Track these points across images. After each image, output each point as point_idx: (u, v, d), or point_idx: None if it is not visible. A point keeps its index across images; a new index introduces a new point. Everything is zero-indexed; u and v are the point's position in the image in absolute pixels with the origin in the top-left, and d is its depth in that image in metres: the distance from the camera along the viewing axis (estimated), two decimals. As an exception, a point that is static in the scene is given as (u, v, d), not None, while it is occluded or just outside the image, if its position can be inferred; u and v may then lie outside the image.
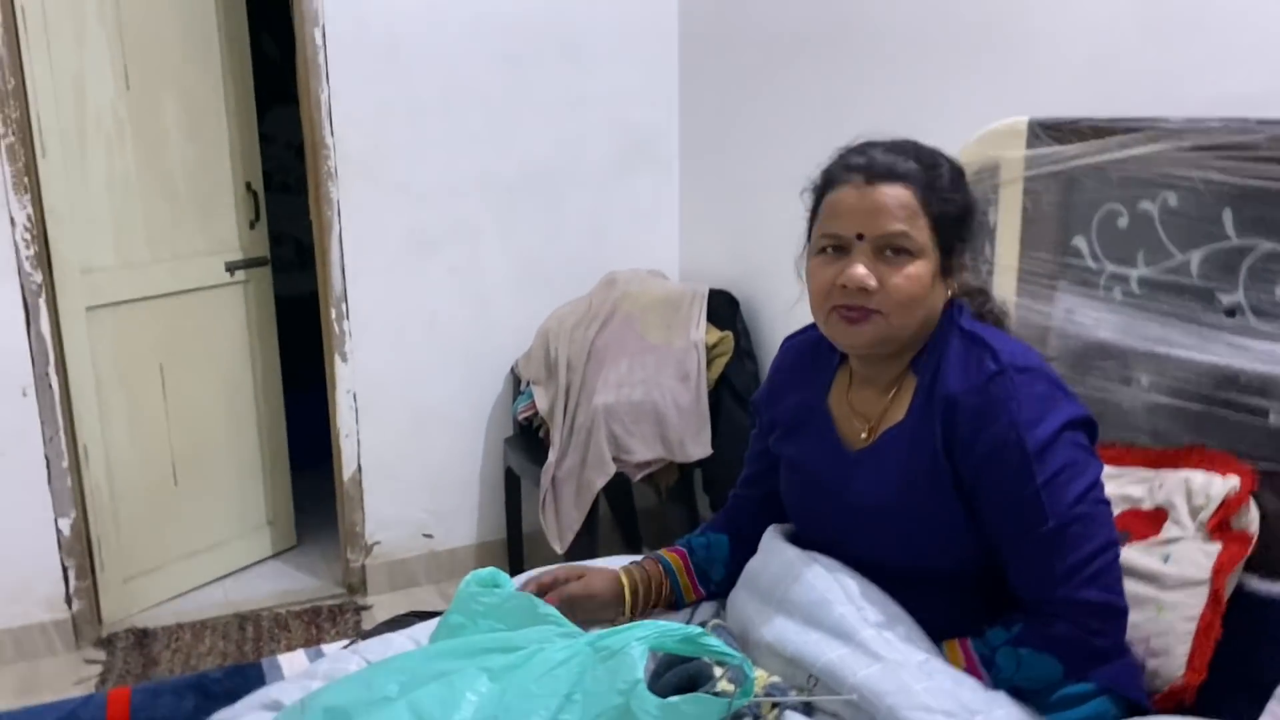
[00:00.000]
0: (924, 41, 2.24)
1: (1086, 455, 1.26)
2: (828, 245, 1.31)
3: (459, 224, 3.01)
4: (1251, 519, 1.45)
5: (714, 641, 1.02)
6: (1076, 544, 1.21)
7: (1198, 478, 1.50)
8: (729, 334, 2.87)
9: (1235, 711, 1.32)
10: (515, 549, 3.18)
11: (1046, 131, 1.77)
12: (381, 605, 3.05)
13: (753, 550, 1.50)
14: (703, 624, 1.31)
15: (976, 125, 1.87)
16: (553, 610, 1.16)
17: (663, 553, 1.57)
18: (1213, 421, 1.54)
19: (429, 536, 3.17)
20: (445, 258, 3.01)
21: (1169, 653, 1.38)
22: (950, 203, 1.29)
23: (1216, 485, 1.47)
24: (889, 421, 1.35)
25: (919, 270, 1.27)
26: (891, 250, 1.26)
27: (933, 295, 1.30)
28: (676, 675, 1.08)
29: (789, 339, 1.60)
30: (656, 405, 2.77)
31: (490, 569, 1.28)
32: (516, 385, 3.12)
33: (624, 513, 3.31)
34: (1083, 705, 1.24)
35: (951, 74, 2.17)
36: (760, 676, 1.20)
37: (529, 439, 3.03)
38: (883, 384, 1.37)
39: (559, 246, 3.14)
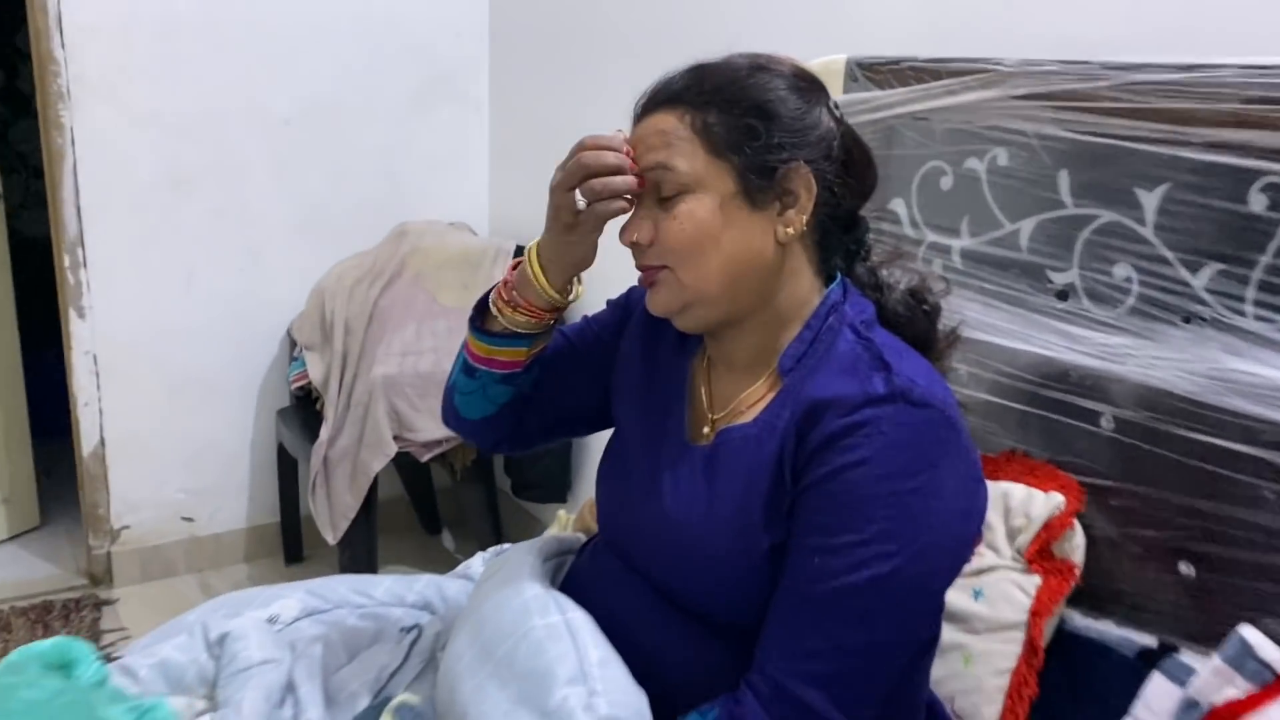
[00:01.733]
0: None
1: (930, 542, 0.92)
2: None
3: (222, 159, 2.59)
4: (1076, 545, 1.22)
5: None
6: (827, 629, 0.91)
7: (1017, 492, 1.26)
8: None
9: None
10: (291, 534, 2.81)
11: (865, 72, 1.50)
12: (130, 598, 2.65)
13: (522, 428, 1.24)
14: (385, 700, 1.00)
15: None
16: (121, 713, 0.82)
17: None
18: (1037, 424, 1.31)
19: (189, 520, 2.77)
20: (206, 199, 2.58)
21: (977, 717, 1.14)
22: (734, 109, 0.98)
23: (1038, 503, 1.24)
24: (734, 419, 1.05)
25: (690, 208, 0.98)
26: (665, 194, 0.99)
27: (733, 237, 0.98)
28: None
29: None
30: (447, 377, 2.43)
31: (58, 640, 0.92)
32: (293, 349, 2.73)
33: (420, 493, 2.98)
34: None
35: (776, 10, 1.89)
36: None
37: (305, 411, 2.65)
38: (742, 365, 1.07)
39: (346, 191, 2.75)
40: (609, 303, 1.26)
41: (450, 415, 1.28)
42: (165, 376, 2.64)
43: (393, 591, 1.39)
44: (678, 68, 1.04)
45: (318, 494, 2.45)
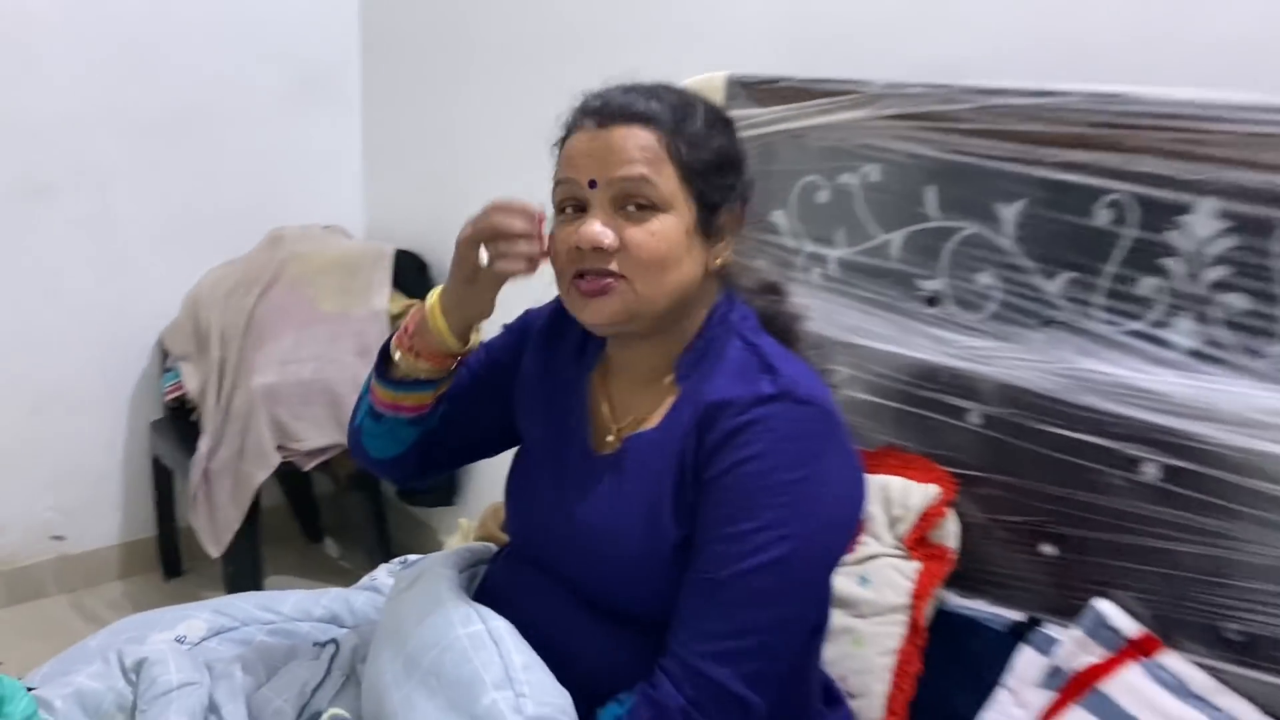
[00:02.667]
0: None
1: (817, 526, 1.02)
2: (565, 203, 1.08)
3: (84, 167, 2.49)
4: (951, 532, 1.33)
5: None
6: (731, 612, 0.99)
7: (896, 484, 1.37)
8: (417, 302, 2.54)
9: (934, 758, 1.19)
10: (169, 547, 2.74)
11: (745, 90, 1.57)
12: (-2, 622, 2.55)
13: (430, 461, 1.27)
14: (316, 713, 1.02)
15: (676, 77, 1.66)
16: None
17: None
18: (911, 421, 1.41)
19: (59, 538, 2.67)
20: (66, 207, 2.49)
21: (868, 693, 1.24)
22: (703, 148, 1.06)
23: (915, 494, 1.34)
24: (638, 426, 1.12)
25: (664, 226, 1.04)
26: (634, 205, 1.03)
27: (688, 262, 1.06)
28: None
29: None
30: (330, 384, 2.42)
31: (-12, 681, 0.92)
32: (165, 360, 2.66)
33: (300, 501, 2.94)
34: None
35: (653, 23, 1.95)
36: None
37: (180, 423, 2.59)
38: (641, 376, 1.13)
39: (215, 197, 2.68)
40: (505, 328, 1.30)
41: (360, 454, 1.31)
42: (30, 391, 2.54)
43: (299, 606, 1.40)
44: (636, 82, 1.09)
45: (199, 507, 2.41)
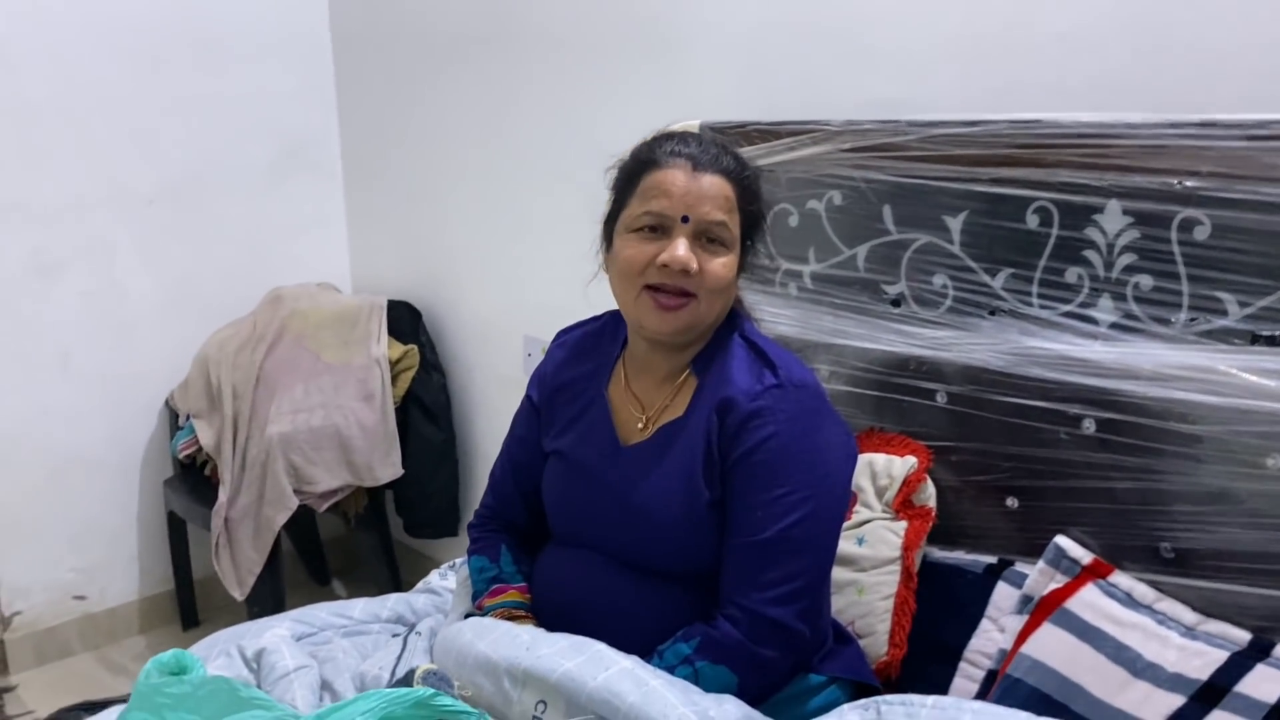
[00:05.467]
0: (590, 42, 2.23)
1: (829, 484, 1.28)
2: (647, 224, 1.29)
3: (89, 243, 2.66)
4: (930, 494, 1.56)
5: (448, 701, 0.93)
6: (780, 561, 1.23)
7: (879, 460, 1.59)
8: (413, 347, 2.75)
9: (934, 678, 1.41)
10: (186, 599, 2.87)
11: (716, 134, 1.81)
12: (29, 683, 2.65)
13: (533, 544, 1.49)
14: (411, 670, 1.21)
15: (647, 127, 1.88)
16: (258, 692, 1.01)
17: (516, 596, 1.43)
18: (888, 405, 1.65)
19: (81, 598, 2.79)
20: (75, 282, 2.64)
21: (873, 632, 1.46)
22: (756, 203, 1.34)
23: (897, 466, 1.57)
24: (668, 416, 1.35)
25: (729, 260, 1.30)
26: (709, 239, 1.28)
27: (731, 290, 1.34)
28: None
29: (563, 333, 1.54)
30: (339, 429, 2.59)
31: (174, 651, 1.10)
32: (174, 420, 2.81)
33: (308, 545, 3.09)
34: (815, 696, 1.28)
35: (620, 75, 2.18)
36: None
37: (193, 478, 2.74)
38: (663, 374, 1.37)
39: (213, 263, 2.86)
40: (526, 397, 1.53)
41: None
42: (46, 458, 2.67)
43: (368, 610, 1.59)
44: (708, 136, 1.37)
45: (222, 553, 2.55)
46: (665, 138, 1.35)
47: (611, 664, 1.17)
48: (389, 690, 0.93)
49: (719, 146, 1.33)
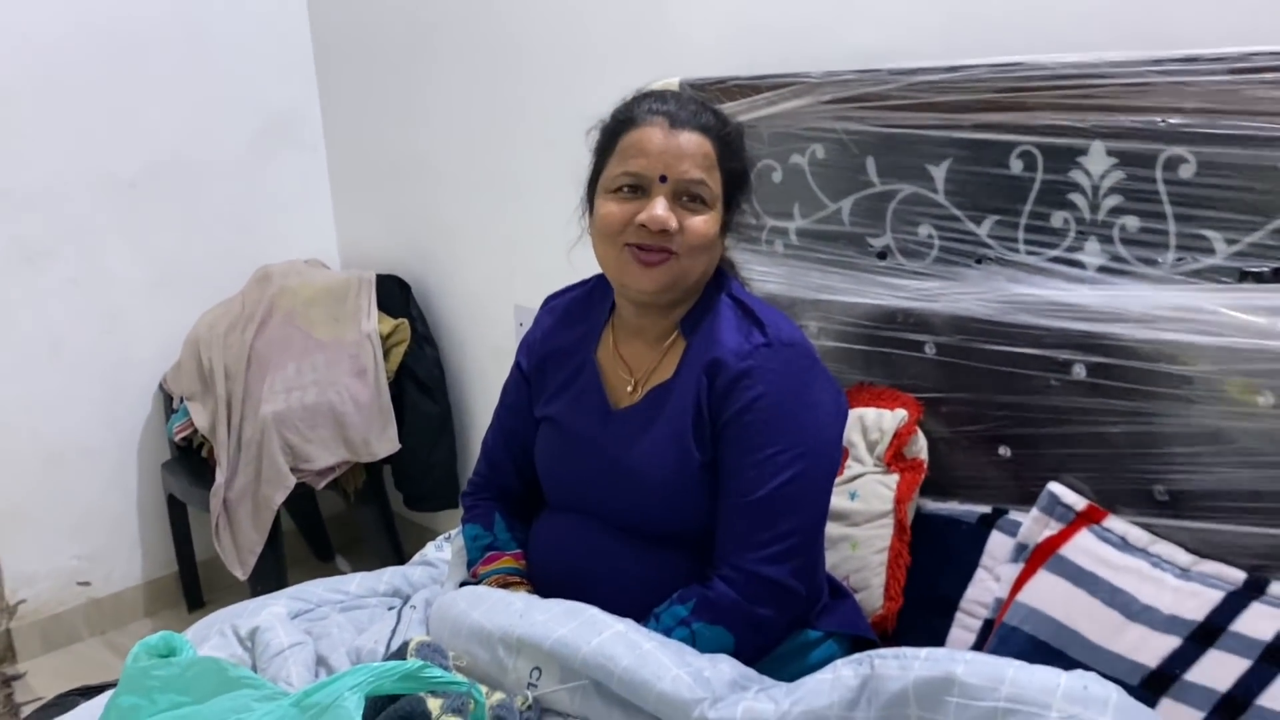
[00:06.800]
0: (573, 4, 2.20)
1: (820, 442, 1.27)
2: (625, 184, 1.28)
3: (74, 229, 2.64)
4: (921, 446, 1.56)
5: (437, 672, 0.93)
6: (773, 520, 1.22)
7: (869, 414, 1.59)
8: (404, 321, 2.73)
9: (931, 629, 1.41)
10: (190, 581, 2.88)
11: (697, 91, 1.79)
12: (38, 670, 2.67)
13: (527, 510, 1.48)
14: (405, 643, 1.21)
15: (630, 87, 1.86)
16: (246, 671, 1.01)
17: (511, 563, 1.43)
18: (877, 359, 1.64)
19: (85, 584, 2.80)
20: (61, 268, 2.63)
21: (868, 586, 1.46)
22: (738, 160, 1.32)
23: (887, 419, 1.56)
24: (657, 379, 1.34)
25: (710, 218, 1.28)
26: (688, 197, 1.26)
27: (716, 248, 1.32)
28: (389, 717, 0.98)
29: (551, 299, 1.53)
30: (333, 405, 2.59)
31: (162, 634, 1.10)
32: (168, 403, 2.80)
33: (309, 523, 3.09)
34: (812, 651, 1.28)
35: (602, 36, 2.15)
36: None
37: (190, 460, 2.74)
38: (652, 337, 1.36)
39: (200, 244, 2.84)
40: (516, 364, 1.52)
41: None
42: (42, 446, 2.67)
43: (365, 584, 1.59)
44: (686, 93, 1.37)
45: (222, 534, 2.56)
46: (643, 97, 1.33)
47: (605, 628, 1.18)
48: (378, 665, 0.93)
49: (697, 103, 1.31)
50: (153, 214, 2.76)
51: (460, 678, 0.98)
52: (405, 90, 2.72)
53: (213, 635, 1.34)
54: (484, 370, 2.73)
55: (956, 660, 1.00)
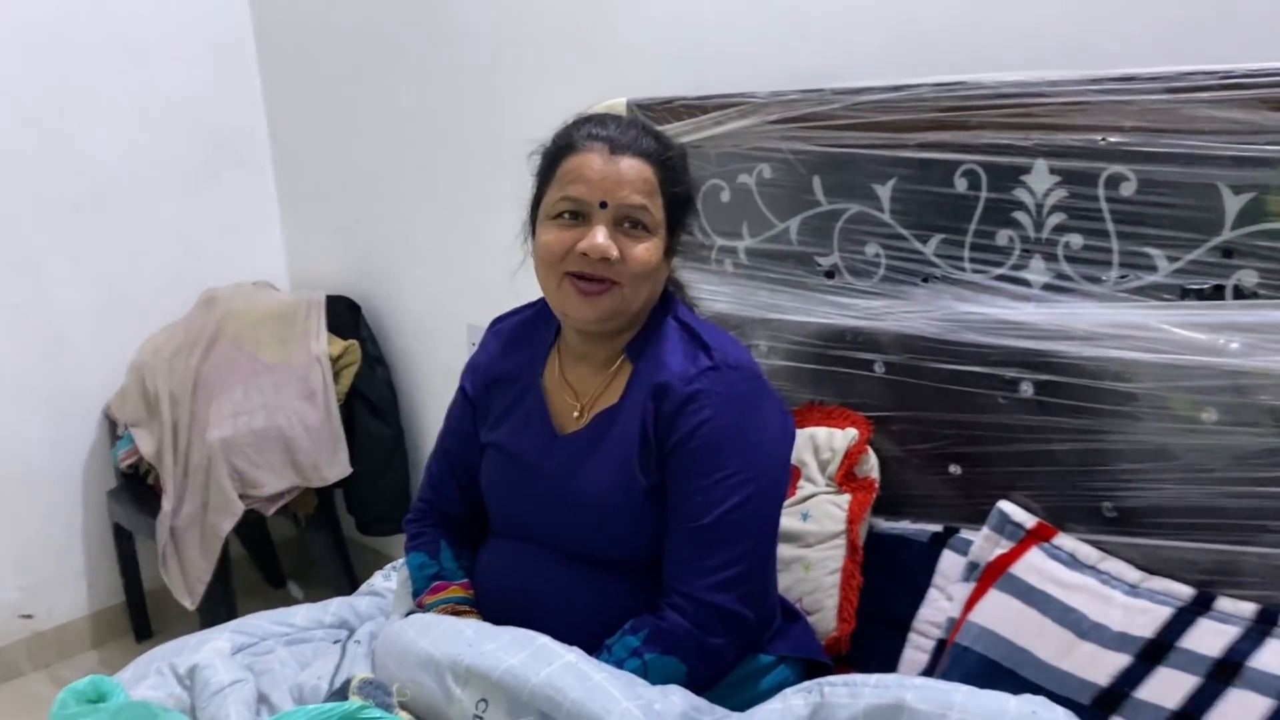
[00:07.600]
0: (516, 26, 2.19)
1: (768, 465, 1.26)
2: (565, 210, 1.26)
3: (15, 253, 2.57)
4: (872, 465, 1.55)
5: (377, 713, 0.90)
6: (722, 546, 1.21)
7: (820, 433, 1.58)
8: (354, 342, 2.69)
9: (885, 650, 1.41)
10: (138, 611, 2.82)
11: (644, 111, 1.78)
12: (-22, 708, 2.59)
13: (472, 537, 1.46)
14: (347, 680, 1.18)
15: (577, 107, 1.85)
16: (179, 716, 0.98)
17: (459, 592, 1.40)
18: (827, 377, 1.63)
19: (28, 617, 2.72)
20: (2, 294, 2.56)
21: (821, 608, 1.45)
22: (681, 185, 1.30)
23: (838, 438, 1.56)
24: (603, 404, 1.32)
25: (652, 245, 1.26)
26: (630, 223, 1.25)
27: (659, 274, 1.30)
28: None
29: (497, 321, 1.51)
30: (282, 430, 2.54)
31: (91, 678, 1.07)
32: (113, 430, 2.74)
33: (260, 548, 3.04)
34: (765, 676, 1.26)
35: (548, 57, 2.14)
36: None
37: (136, 488, 2.68)
38: (598, 362, 1.34)
39: (144, 268, 2.78)
40: (460, 388, 1.50)
41: None
42: (-19, 477, 2.60)
43: (310, 616, 1.56)
44: (628, 117, 1.34)
45: (170, 563, 2.50)
46: (584, 121, 1.32)
47: (555, 659, 1.15)
48: (315, 707, 0.90)
49: (638, 127, 1.30)
50: (96, 237, 2.70)
51: (402, 717, 0.95)
52: (353, 109, 2.69)
53: (150, 674, 1.30)
54: (436, 391, 2.69)
55: (906, 687, 1.00)
